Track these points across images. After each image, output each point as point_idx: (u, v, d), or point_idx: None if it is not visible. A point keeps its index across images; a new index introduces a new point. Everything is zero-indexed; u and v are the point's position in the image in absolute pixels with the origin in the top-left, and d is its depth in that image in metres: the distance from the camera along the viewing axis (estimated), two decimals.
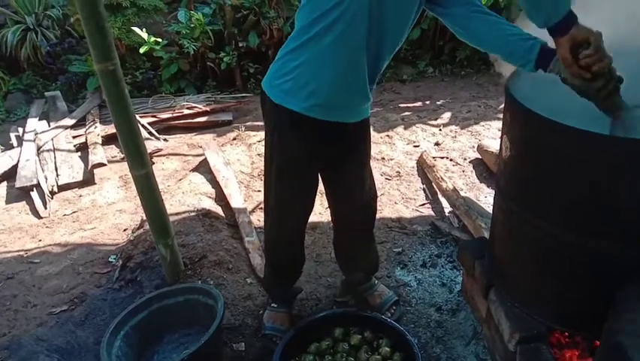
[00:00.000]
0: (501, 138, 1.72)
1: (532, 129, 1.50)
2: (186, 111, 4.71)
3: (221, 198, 3.32)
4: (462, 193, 2.96)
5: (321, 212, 3.09)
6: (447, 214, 2.98)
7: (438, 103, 4.74)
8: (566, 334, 1.80)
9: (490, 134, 3.92)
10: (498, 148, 1.83)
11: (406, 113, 4.56)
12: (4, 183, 3.93)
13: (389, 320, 1.97)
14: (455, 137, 4.00)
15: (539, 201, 1.57)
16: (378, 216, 3.01)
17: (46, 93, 5.13)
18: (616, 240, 1.43)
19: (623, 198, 1.37)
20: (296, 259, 2.19)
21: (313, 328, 1.99)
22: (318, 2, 1.54)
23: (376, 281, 2.37)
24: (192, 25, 4.85)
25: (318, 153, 1.83)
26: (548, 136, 1.44)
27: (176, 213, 3.04)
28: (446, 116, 4.41)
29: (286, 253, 2.14)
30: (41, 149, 4.13)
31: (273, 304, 2.24)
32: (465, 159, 3.66)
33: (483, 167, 3.51)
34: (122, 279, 2.72)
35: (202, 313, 2.12)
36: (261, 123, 4.35)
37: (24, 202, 3.66)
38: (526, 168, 1.60)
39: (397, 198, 3.24)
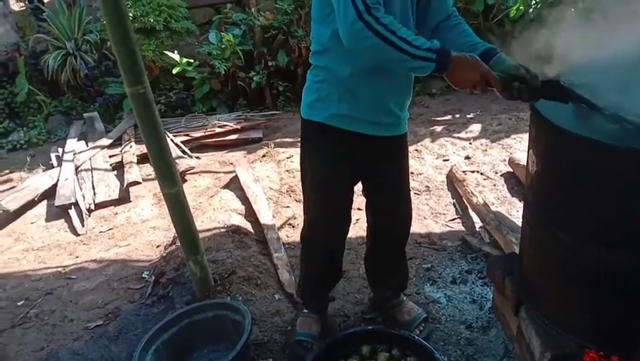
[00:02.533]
0: (527, 151, 1.70)
1: (556, 143, 1.48)
2: (218, 130, 4.82)
3: (250, 214, 3.36)
4: (493, 208, 2.91)
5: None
6: (477, 229, 2.93)
7: (468, 116, 4.69)
8: (602, 354, 1.74)
9: (522, 147, 3.84)
10: None
11: (436, 127, 4.53)
12: (45, 202, 4.09)
13: (417, 337, 1.94)
14: (486, 150, 3.94)
15: (564, 214, 1.54)
16: None
17: (84, 114, 5.33)
18: None
19: None
20: (333, 270, 2.23)
21: (340, 344, 1.98)
22: (330, 22, 1.63)
23: (405, 298, 2.35)
24: (223, 46, 4.98)
25: (348, 162, 1.90)
26: (573, 149, 1.41)
27: (207, 230, 3.10)
28: (476, 129, 4.36)
29: (323, 261, 2.16)
30: (79, 168, 4.30)
31: (305, 310, 2.29)
32: (496, 173, 3.60)
33: (515, 180, 3.45)
34: (155, 295, 2.78)
35: (230, 329, 2.15)
36: (290, 140, 4.46)
37: (62, 220, 3.80)
38: (552, 181, 1.57)
39: (427, 214, 3.21)
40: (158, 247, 3.29)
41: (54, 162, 4.65)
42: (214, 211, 3.33)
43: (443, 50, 1.50)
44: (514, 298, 1.94)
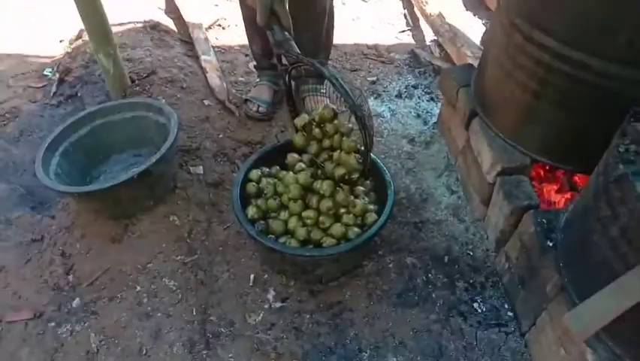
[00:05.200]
0: None
1: None
2: None
3: (172, 10, 2.88)
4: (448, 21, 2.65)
5: None
6: (428, 43, 2.71)
7: None
8: (547, 168, 1.70)
9: None
10: None
11: None
12: None
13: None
14: None
15: (546, 15, 1.35)
16: (351, 41, 2.75)
17: None
18: (628, 63, 1.24)
19: None
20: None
21: (277, 153, 1.81)
22: None
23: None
24: None
25: None
26: None
27: (119, 24, 2.62)
28: None
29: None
30: None
31: (257, 79, 2.30)
32: None
33: None
34: (61, 94, 2.42)
35: (153, 131, 1.89)
36: None
37: None
38: None
39: (374, 23, 2.90)
40: (61, 41, 2.79)
41: None
42: (129, 2, 2.80)
43: None
44: (467, 110, 1.81)
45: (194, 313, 1.51)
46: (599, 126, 1.36)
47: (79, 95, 2.35)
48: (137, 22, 2.65)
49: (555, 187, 1.69)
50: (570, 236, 1.31)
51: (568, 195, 1.65)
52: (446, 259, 1.68)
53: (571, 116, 1.44)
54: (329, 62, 2.24)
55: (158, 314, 1.51)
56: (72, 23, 2.66)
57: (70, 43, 2.71)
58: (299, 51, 1.47)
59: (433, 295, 1.57)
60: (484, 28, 2.80)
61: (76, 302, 1.56)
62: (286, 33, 1.47)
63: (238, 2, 2.04)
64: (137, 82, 2.24)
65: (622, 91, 1.29)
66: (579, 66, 1.32)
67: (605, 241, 1.12)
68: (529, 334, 1.43)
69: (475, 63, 2.01)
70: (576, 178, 1.68)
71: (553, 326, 1.30)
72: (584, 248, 1.20)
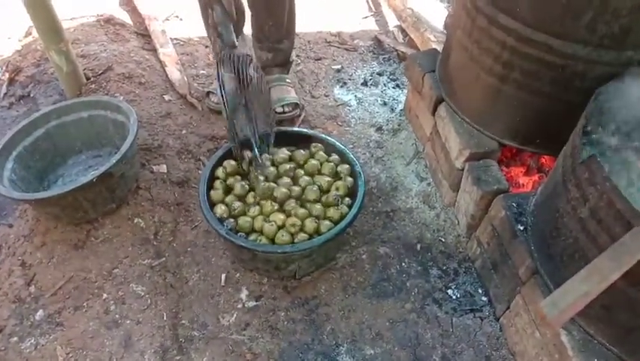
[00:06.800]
0: None
1: None
2: None
3: (126, 1, 2.76)
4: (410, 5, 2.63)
5: None
6: (392, 28, 2.68)
7: None
8: (514, 151, 1.71)
9: None
10: None
11: None
12: None
13: (330, 138, 1.76)
14: None
15: None
16: (314, 30, 2.70)
17: None
18: (592, 44, 1.24)
19: None
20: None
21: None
22: None
23: (289, 80, 2.18)
24: None
25: None
26: None
27: (71, 19, 2.51)
28: None
29: None
30: None
31: None
32: None
33: None
34: (12, 95, 2.29)
35: (112, 131, 1.82)
36: None
37: None
38: None
39: (337, 9, 2.85)
40: (9, 39, 2.64)
41: None
42: None
43: None
44: (434, 96, 1.80)
45: (165, 318, 1.46)
46: (565, 108, 1.37)
47: (31, 95, 2.24)
48: (90, 17, 2.54)
49: (523, 170, 1.70)
50: (540, 219, 1.32)
51: (536, 178, 1.66)
52: (419, 246, 1.68)
53: (536, 99, 1.44)
54: (294, 50, 2.20)
55: (127, 322, 1.46)
56: (20, 20, 2.52)
57: (20, 41, 2.57)
58: (235, 37, 1.50)
59: (408, 284, 1.57)
60: (446, 12, 2.79)
61: (39, 314, 1.49)
62: (226, 16, 1.45)
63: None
64: (92, 79, 2.14)
65: (586, 72, 1.30)
66: (543, 48, 1.32)
67: (575, 222, 1.13)
68: (504, 318, 1.44)
69: (439, 48, 2.00)
70: (543, 160, 1.69)
71: (527, 309, 1.31)
72: (555, 230, 1.21)
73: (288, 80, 2.18)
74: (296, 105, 2.12)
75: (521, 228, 1.36)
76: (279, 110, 2.08)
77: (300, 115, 2.14)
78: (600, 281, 0.86)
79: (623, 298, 1.03)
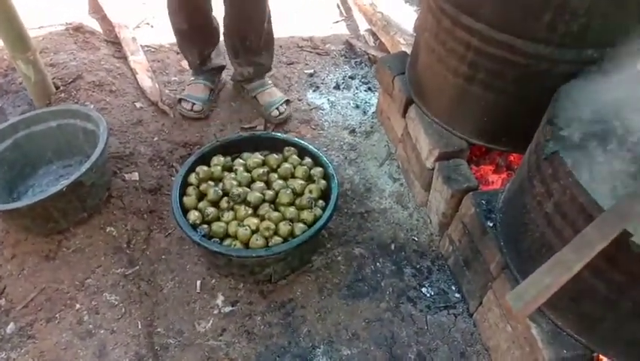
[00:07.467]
0: None
1: None
2: None
3: (96, 10, 2.74)
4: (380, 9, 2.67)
5: None
6: (363, 32, 2.71)
7: None
8: (483, 150, 1.75)
9: None
10: None
11: None
12: None
13: (303, 141, 1.77)
14: None
15: None
16: (286, 35, 2.71)
17: None
18: (553, 43, 1.28)
19: None
20: (202, 26, 2.06)
21: (216, 153, 1.76)
22: None
23: (270, 82, 2.24)
24: None
25: None
26: None
27: (39, 27, 2.47)
28: None
29: (190, 15, 1.98)
30: None
31: (192, 78, 2.23)
32: None
33: None
34: None
35: (82, 140, 1.79)
36: None
37: None
38: None
39: (308, 14, 2.87)
40: None
41: None
42: (47, 3, 2.65)
43: None
44: (404, 98, 1.83)
45: (140, 326, 1.45)
46: (529, 106, 1.41)
47: None
48: (59, 25, 2.51)
49: (492, 168, 1.74)
50: (508, 215, 1.35)
51: (505, 175, 1.70)
52: (393, 246, 1.70)
53: (502, 98, 1.48)
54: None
55: (101, 331, 1.44)
56: None
57: None
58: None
59: (382, 284, 1.58)
60: (416, 15, 2.84)
61: (10, 327, 1.46)
62: None
63: (168, 15, 2.00)
64: (62, 88, 2.11)
65: (549, 71, 1.34)
66: (506, 48, 1.35)
67: (541, 217, 1.16)
68: (477, 313, 1.47)
69: (409, 50, 2.03)
70: (512, 158, 1.73)
71: (498, 304, 1.34)
72: (523, 226, 1.24)
73: (269, 83, 2.23)
74: (287, 101, 2.19)
75: (491, 224, 1.39)
76: (275, 113, 2.13)
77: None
78: (563, 273, 0.89)
79: (588, 290, 1.06)
